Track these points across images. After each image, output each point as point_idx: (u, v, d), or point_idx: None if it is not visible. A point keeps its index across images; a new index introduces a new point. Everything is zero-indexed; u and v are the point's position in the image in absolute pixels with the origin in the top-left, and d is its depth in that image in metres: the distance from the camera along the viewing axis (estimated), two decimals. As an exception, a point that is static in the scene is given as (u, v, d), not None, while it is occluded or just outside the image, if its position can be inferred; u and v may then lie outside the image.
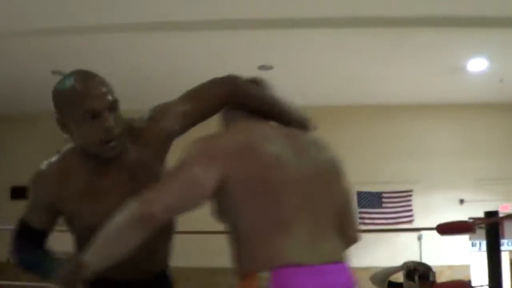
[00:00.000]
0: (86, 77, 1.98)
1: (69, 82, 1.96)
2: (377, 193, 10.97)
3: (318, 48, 8.42)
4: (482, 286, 7.60)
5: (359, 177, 11.29)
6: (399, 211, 10.84)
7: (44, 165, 2.15)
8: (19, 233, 2.17)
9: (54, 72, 9.74)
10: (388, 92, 10.45)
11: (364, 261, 8.31)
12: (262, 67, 8.82)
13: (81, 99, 1.91)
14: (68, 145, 2.16)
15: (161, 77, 9.53)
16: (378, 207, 10.94)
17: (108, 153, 2.02)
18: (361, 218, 10.81)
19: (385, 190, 10.96)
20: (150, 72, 9.44)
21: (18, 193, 12.77)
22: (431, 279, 4.67)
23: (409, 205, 10.83)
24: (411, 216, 10.76)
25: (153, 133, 2.12)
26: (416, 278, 4.64)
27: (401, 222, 10.64)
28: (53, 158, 2.15)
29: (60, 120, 2.02)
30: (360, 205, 10.84)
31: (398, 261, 4.98)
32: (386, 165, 11.05)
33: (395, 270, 4.87)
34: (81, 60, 8.47)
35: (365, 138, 11.27)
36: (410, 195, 10.86)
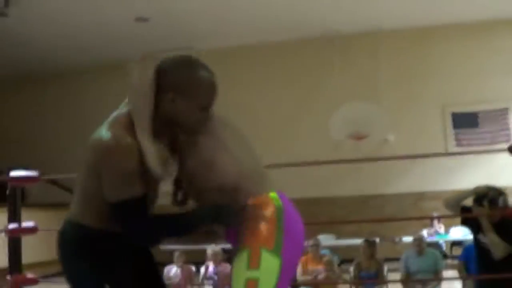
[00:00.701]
0: (211, 76, 2.32)
1: (204, 75, 2.27)
2: (472, 113, 10.71)
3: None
4: None
5: (453, 97, 11.07)
6: (496, 130, 10.56)
7: (119, 137, 2.15)
8: (141, 213, 2.17)
9: (138, 19, 9.88)
10: (482, 6, 10.09)
11: (461, 184, 8.23)
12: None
13: (211, 93, 2.29)
14: (116, 121, 2.23)
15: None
16: (474, 127, 10.70)
17: (189, 137, 2.34)
18: (457, 139, 10.62)
19: (480, 109, 10.69)
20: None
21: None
22: (501, 204, 4.54)
23: (506, 124, 10.53)
24: (508, 135, 10.47)
25: None
26: (485, 202, 4.54)
27: (498, 142, 10.37)
28: (117, 131, 2.17)
29: (175, 99, 2.21)
30: (456, 126, 10.64)
31: (495, 184, 4.88)
32: (480, 83, 10.76)
33: (467, 194, 4.75)
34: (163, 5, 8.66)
35: (455, 57, 10.99)
36: (506, 113, 10.54)
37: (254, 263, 2.14)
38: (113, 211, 2.15)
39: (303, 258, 7.09)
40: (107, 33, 11.23)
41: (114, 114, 2.28)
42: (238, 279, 2.16)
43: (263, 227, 2.19)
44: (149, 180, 2.18)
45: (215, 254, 7.51)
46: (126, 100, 2.34)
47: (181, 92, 2.20)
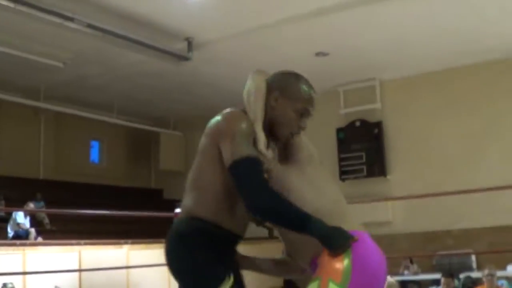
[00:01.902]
0: (313, 89, 2.56)
1: (305, 85, 2.53)
2: None
3: None
4: None
5: None
6: None
7: (234, 111, 2.44)
8: (262, 175, 2.29)
9: (318, 54, 10.08)
10: None
11: None
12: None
13: (309, 101, 2.52)
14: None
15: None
16: None
17: (282, 140, 2.55)
18: None
19: None
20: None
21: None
22: None
23: None
24: None
25: None
26: None
27: None
28: (231, 110, 2.46)
29: (278, 98, 2.47)
30: None
31: None
32: None
33: None
34: (343, 39, 8.92)
35: None
36: None
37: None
38: (236, 172, 2.24)
39: (477, 288, 6.73)
40: (288, 68, 11.52)
41: None
42: None
43: (333, 261, 2.26)
44: None
45: (389, 286, 7.33)
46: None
47: (283, 93, 2.47)
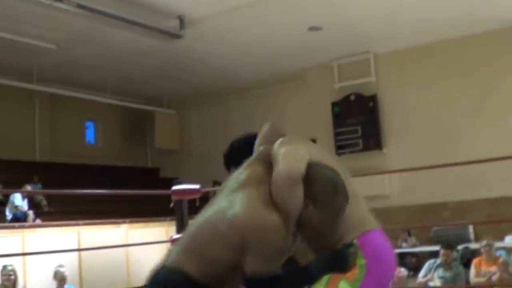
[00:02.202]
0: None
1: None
2: None
3: None
4: None
5: None
6: None
7: (267, 214, 2.24)
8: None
9: (311, 28, 10.03)
10: None
11: None
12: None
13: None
14: None
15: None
16: None
17: None
18: None
19: None
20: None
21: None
22: None
23: None
24: None
25: None
26: None
27: None
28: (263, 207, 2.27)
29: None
30: None
31: None
32: None
33: None
34: (336, 12, 8.92)
35: None
36: None
37: (331, 285, 2.25)
38: (253, 285, 2.19)
39: (476, 260, 6.76)
40: (281, 45, 11.63)
41: (245, 179, 2.34)
42: None
43: None
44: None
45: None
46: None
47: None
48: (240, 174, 2.38)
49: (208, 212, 2.34)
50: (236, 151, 2.64)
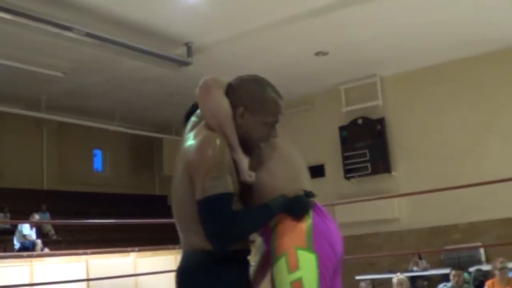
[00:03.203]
0: (279, 95, 2.45)
1: (271, 94, 2.41)
2: None
3: None
4: None
5: None
6: None
7: (212, 138, 2.25)
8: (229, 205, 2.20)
9: (318, 53, 10.05)
10: None
11: None
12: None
13: (277, 112, 2.41)
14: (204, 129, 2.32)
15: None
16: None
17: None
18: None
19: None
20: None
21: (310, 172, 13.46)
22: None
23: None
24: None
25: None
26: None
27: None
28: (207, 134, 2.28)
29: (244, 114, 2.35)
30: None
31: None
32: None
33: None
34: (341, 37, 8.98)
35: None
36: None
37: (293, 265, 2.20)
38: (201, 208, 2.16)
39: (489, 282, 6.68)
40: (289, 70, 11.61)
41: (192, 128, 2.40)
42: (282, 285, 2.21)
43: (295, 227, 2.28)
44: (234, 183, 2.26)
45: (400, 283, 7.32)
46: (195, 116, 2.52)
47: (249, 108, 2.35)
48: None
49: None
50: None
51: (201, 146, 2.20)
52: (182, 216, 2.30)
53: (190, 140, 2.27)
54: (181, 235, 2.34)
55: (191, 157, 2.20)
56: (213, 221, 2.14)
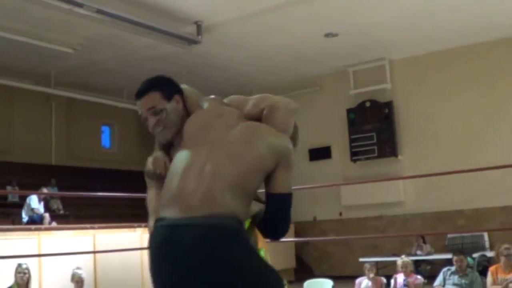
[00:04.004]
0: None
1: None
2: None
3: None
4: None
5: None
6: None
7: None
8: None
9: (327, 35, 10.01)
10: None
11: None
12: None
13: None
14: None
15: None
16: None
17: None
18: None
19: None
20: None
21: (315, 154, 13.48)
22: None
23: None
24: None
25: None
26: None
27: None
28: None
29: None
30: None
31: None
32: None
33: None
34: (351, 19, 8.94)
35: None
36: None
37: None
38: (282, 202, 2.29)
39: (493, 268, 6.72)
40: (298, 51, 11.66)
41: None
42: None
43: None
44: None
45: (405, 265, 7.38)
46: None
47: None
48: (221, 110, 2.46)
49: (229, 148, 2.26)
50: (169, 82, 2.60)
51: (291, 149, 2.35)
52: (232, 178, 2.19)
53: (278, 138, 2.32)
54: (206, 194, 2.16)
55: (289, 148, 2.31)
56: (288, 216, 2.30)
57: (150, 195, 2.57)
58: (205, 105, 2.52)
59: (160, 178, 2.44)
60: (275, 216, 2.27)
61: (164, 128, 2.49)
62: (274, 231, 2.32)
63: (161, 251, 2.16)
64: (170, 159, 2.46)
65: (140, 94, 2.52)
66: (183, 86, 2.60)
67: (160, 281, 2.20)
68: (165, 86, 2.53)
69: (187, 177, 2.20)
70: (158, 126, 2.49)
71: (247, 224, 2.32)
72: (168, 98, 2.49)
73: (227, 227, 2.09)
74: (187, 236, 2.07)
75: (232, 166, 2.20)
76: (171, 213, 2.17)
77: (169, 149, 2.57)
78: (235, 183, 2.17)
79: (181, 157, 2.32)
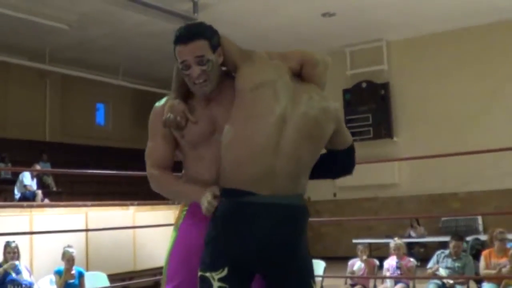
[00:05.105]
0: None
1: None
2: None
3: None
4: None
5: None
6: None
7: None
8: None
9: (324, 14, 9.91)
10: None
11: None
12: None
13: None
14: None
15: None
16: None
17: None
18: None
19: None
20: None
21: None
22: None
23: None
24: None
25: None
26: None
27: None
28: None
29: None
30: None
31: None
32: None
33: None
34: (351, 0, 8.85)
35: None
36: None
37: None
38: (350, 153, 2.56)
39: (486, 252, 6.70)
40: (295, 31, 11.55)
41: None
42: None
43: None
44: None
45: (397, 248, 7.36)
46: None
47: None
48: (279, 69, 2.36)
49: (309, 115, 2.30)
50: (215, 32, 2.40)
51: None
52: (311, 158, 2.34)
53: (326, 100, 2.41)
54: (293, 176, 2.25)
55: (338, 109, 2.49)
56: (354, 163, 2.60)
57: (154, 146, 2.50)
58: (254, 57, 2.43)
59: (179, 127, 2.36)
60: (352, 162, 2.58)
61: (205, 80, 2.32)
62: (352, 169, 2.60)
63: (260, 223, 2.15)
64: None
65: (187, 39, 2.31)
66: (222, 35, 2.41)
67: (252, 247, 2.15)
68: (212, 35, 2.33)
69: (272, 154, 2.18)
70: (201, 77, 2.32)
71: None
72: (214, 49, 2.34)
73: (306, 208, 2.29)
74: (289, 214, 2.20)
75: (309, 153, 2.29)
76: (261, 189, 2.16)
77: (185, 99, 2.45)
78: (310, 167, 2.31)
79: (253, 121, 2.22)
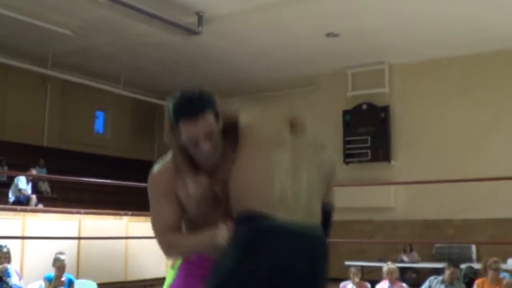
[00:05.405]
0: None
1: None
2: None
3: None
4: None
5: None
6: None
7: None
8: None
9: (328, 34, 9.96)
10: None
11: None
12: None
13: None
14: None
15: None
16: None
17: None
18: None
19: None
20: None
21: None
22: None
23: None
24: None
25: None
26: None
27: None
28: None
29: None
30: None
31: None
32: None
33: None
34: (354, 21, 8.89)
35: None
36: None
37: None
38: (331, 214, 2.59)
39: (479, 281, 6.67)
40: (298, 49, 11.59)
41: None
42: None
43: None
44: None
45: (390, 272, 7.32)
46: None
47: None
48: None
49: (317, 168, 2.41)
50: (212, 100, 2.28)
51: None
52: (320, 192, 2.39)
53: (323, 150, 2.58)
54: (313, 207, 2.32)
55: (334, 169, 2.60)
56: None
57: (161, 211, 2.35)
58: (245, 115, 2.37)
59: (201, 205, 2.27)
60: (331, 220, 2.61)
61: (214, 151, 2.25)
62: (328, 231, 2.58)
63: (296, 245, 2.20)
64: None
65: (193, 114, 2.19)
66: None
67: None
68: (214, 103, 2.23)
69: (290, 183, 2.21)
70: (211, 150, 2.24)
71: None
72: (217, 117, 2.24)
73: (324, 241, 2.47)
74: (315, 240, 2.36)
75: (318, 182, 2.37)
76: (284, 215, 2.15)
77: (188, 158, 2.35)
78: (320, 196, 2.38)
79: (263, 162, 2.21)
